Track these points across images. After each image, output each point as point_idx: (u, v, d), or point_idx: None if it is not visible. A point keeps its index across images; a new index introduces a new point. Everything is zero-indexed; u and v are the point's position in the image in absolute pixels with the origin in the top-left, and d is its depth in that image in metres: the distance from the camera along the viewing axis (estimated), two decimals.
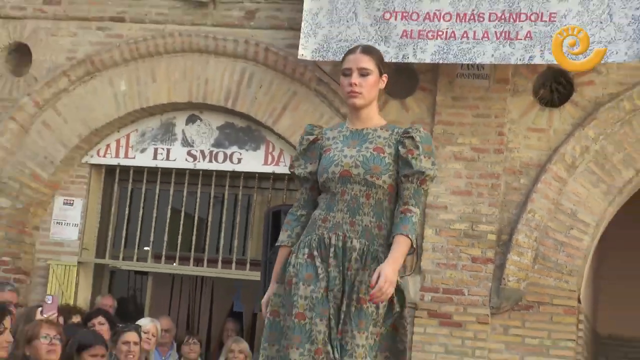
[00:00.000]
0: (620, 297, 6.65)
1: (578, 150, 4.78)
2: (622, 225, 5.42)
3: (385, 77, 2.16)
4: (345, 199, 2.04)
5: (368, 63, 2.11)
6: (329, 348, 1.89)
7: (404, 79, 4.97)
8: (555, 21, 4.65)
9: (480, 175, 4.93)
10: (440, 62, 4.76)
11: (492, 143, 4.94)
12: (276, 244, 2.22)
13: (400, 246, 1.97)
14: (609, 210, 4.90)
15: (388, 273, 1.86)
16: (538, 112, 4.95)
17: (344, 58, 2.18)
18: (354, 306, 1.93)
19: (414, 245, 1.99)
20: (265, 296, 2.13)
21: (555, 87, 5.05)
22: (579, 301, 4.84)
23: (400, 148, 2.06)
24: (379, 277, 1.85)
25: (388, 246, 2.00)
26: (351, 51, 2.20)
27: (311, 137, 2.21)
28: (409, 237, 1.97)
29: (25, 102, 5.41)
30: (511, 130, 4.96)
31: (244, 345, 4.62)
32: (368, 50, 2.21)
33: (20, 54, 5.59)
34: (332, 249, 2.00)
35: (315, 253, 2.00)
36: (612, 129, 4.82)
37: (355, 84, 2.08)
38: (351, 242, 2.00)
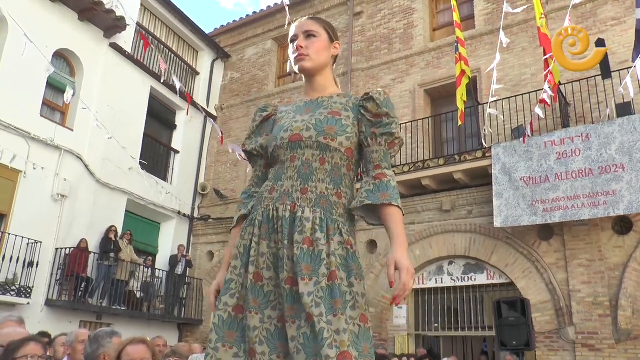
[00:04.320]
0: None
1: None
2: None
3: (337, 44, 1.85)
4: (295, 165, 1.66)
5: (314, 26, 1.82)
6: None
7: (548, 230, 9.59)
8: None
9: (595, 272, 9.11)
10: (562, 220, 9.17)
11: (596, 256, 9.20)
12: (231, 227, 1.84)
13: (397, 223, 1.59)
14: None
15: (404, 263, 1.49)
16: (617, 237, 9.23)
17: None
18: (323, 284, 1.48)
19: (402, 213, 1.60)
20: (214, 284, 1.75)
21: (621, 224, 9.20)
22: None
23: (362, 111, 1.73)
24: (395, 270, 1.49)
25: (349, 217, 1.64)
26: (298, 21, 1.86)
27: (264, 114, 1.90)
28: (396, 205, 1.61)
29: None
30: (604, 249, 9.21)
31: None
32: (314, 17, 1.87)
33: None
34: (279, 222, 1.58)
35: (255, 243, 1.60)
36: None
37: (301, 47, 1.78)
38: (303, 211, 1.58)
